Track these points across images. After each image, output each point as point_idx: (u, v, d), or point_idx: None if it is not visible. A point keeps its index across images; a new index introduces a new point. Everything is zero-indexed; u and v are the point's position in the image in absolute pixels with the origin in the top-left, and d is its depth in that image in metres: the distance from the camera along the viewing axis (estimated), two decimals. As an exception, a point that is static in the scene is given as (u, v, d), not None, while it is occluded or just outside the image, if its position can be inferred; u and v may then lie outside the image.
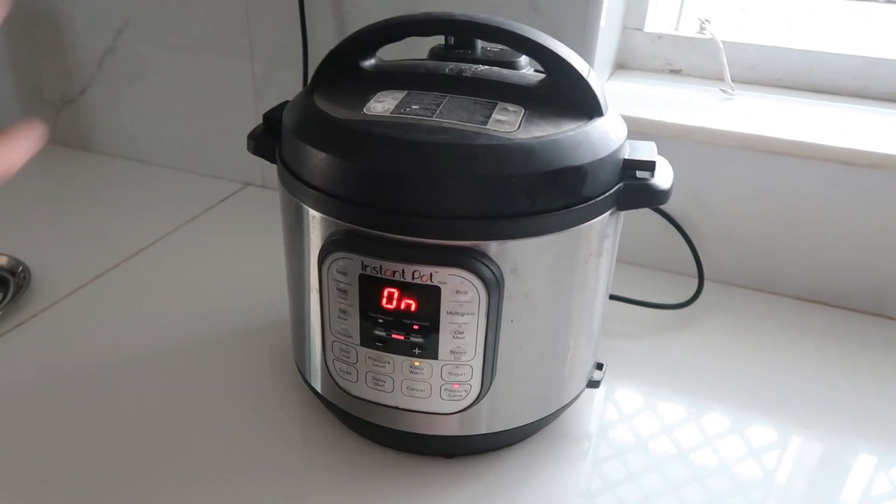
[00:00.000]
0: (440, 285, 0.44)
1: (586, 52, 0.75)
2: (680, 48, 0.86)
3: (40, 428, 0.57)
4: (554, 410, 0.55)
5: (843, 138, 0.70)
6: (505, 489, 0.53)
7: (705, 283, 0.75)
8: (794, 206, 0.74)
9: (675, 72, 0.88)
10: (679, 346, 0.70)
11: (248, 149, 0.55)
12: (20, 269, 0.74)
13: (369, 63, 0.53)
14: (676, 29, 0.88)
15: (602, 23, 0.78)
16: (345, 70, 0.52)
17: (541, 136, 0.45)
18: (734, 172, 0.75)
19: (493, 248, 0.44)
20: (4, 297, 0.72)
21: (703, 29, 0.86)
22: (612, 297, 0.72)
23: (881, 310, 0.75)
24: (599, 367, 0.60)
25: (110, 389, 0.61)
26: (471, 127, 0.45)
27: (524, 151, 0.44)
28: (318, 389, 0.55)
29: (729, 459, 0.57)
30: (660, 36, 0.87)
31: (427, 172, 0.43)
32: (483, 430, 0.52)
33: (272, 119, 0.53)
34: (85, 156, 1.04)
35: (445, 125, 0.45)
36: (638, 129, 0.75)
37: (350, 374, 0.50)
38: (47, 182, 0.98)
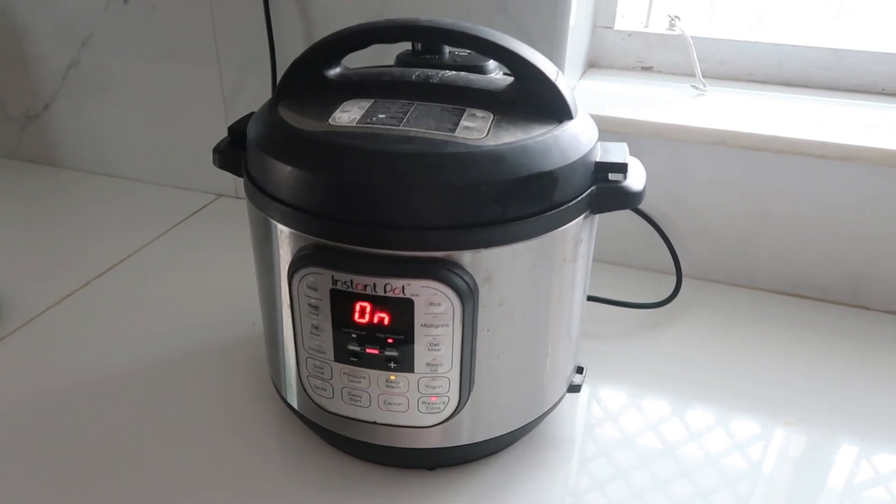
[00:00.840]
0: (413, 298, 0.43)
1: (556, 52, 0.74)
2: (650, 45, 0.86)
3: (8, 450, 0.56)
4: (535, 417, 0.54)
5: (815, 131, 0.70)
6: (488, 499, 0.53)
7: (684, 280, 0.75)
8: (770, 200, 0.74)
9: (647, 69, 0.88)
10: (660, 345, 0.70)
11: (214, 163, 0.54)
12: (-14, 291, 0.72)
13: (334, 72, 0.52)
14: (646, 26, 0.88)
15: (571, 22, 0.77)
16: (310, 80, 0.51)
17: (510, 142, 0.44)
18: (709, 169, 0.75)
19: (465, 257, 0.44)
20: (-29, 320, 0.70)
21: (672, 25, 0.86)
22: (591, 299, 0.72)
23: (858, 301, 0.75)
24: (580, 370, 0.59)
25: (83, 410, 0.60)
26: (439, 135, 0.44)
27: (493, 158, 0.43)
28: (295, 406, 0.54)
29: (714, 454, 0.57)
30: (630, 34, 0.86)
31: (395, 183, 0.42)
32: (463, 441, 0.52)
33: (237, 132, 0.52)
34: (52, 171, 1.02)
35: (413, 134, 0.45)
36: (611, 128, 0.75)
37: (325, 390, 0.49)
38: (13, 200, 0.96)
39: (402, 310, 0.44)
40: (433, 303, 0.43)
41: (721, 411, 0.61)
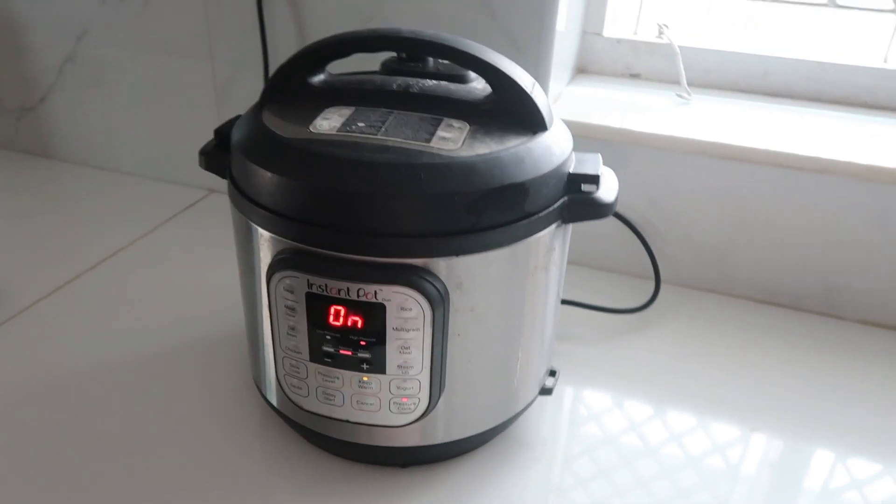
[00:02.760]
0: (385, 302, 0.45)
1: (542, 58, 0.75)
2: (639, 53, 0.87)
3: (-5, 445, 0.57)
4: (506, 419, 0.56)
5: (793, 143, 0.71)
6: (459, 497, 0.54)
7: (664, 285, 0.77)
8: (749, 209, 0.75)
9: (635, 76, 0.89)
10: (637, 349, 0.71)
11: (200, 164, 0.55)
12: (-22, 282, 0.74)
13: (318, 79, 0.54)
14: (635, 33, 0.89)
15: (561, 27, 0.79)
16: (294, 86, 0.53)
17: (483, 154, 0.46)
18: (691, 177, 0.76)
19: (436, 264, 0.45)
20: (-38, 310, 0.72)
21: (661, 34, 0.87)
22: (569, 303, 0.73)
23: (832, 310, 0.76)
24: (552, 373, 0.61)
25: (68, 403, 0.61)
26: (414, 145, 0.46)
27: (466, 169, 0.45)
28: (274, 403, 0.56)
29: (681, 460, 0.58)
30: (619, 41, 0.88)
31: (370, 191, 0.44)
32: (434, 441, 0.53)
33: (223, 134, 0.53)
34: (46, 163, 1.03)
35: (389, 143, 0.46)
36: (595, 135, 0.76)
37: (301, 388, 0.50)
38: (6, 191, 0.97)
39: (375, 314, 0.45)
40: (404, 308, 0.45)
41: (693, 416, 0.63)
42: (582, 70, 0.90)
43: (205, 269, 0.80)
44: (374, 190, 0.44)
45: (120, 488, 0.54)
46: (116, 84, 0.95)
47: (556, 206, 0.49)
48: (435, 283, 0.45)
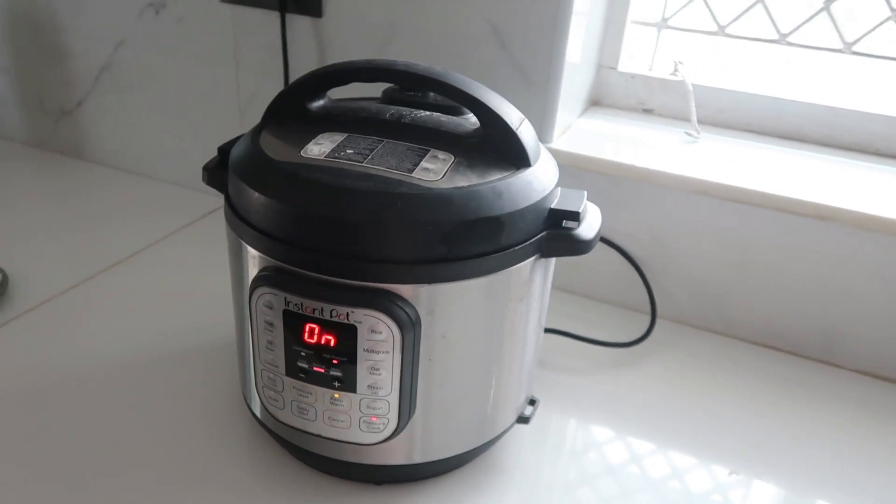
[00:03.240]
0: (356, 324, 0.46)
1: (551, 89, 0.77)
2: (652, 88, 0.88)
3: (-4, 432, 0.60)
4: (479, 444, 0.57)
5: (797, 188, 0.71)
6: (429, 517, 0.55)
7: (661, 321, 0.77)
8: (750, 250, 0.75)
9: (648, 111, 0.90)
10: (628, 384, 0.71)
11: (203, 179, 0.58)
12: (-1, 275, 0.78)
13: (318, 104, 0.56)
14: (650, 69, 0.90)
15: (575, 60, 0.80)
16: (293, 110, 0.55)
17: (462, 186, 0.47)
18: (692, 215, 0.76)
19: (408, 290, 0.47)
20: (-17, 302, 0.76)
21: (676, 71, 0.87)
22: (559, 332, 0.74)
23: (831, 358, 0.76)
24: (532, 402, 0.61)
25: (69, 399, 0.64)
26: (395, 174, 0.47)
27: (442, 201, 0.46)
28: (257, 413, 0.58)
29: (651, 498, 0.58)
30: (633, 76, 0.88)
31: (346, 217, 0.46)
32: (408, 461, 0.55)
33: (225, 152, 0.56)
34: (80, 165, 1.08)
35: (372, 172, 0.48)
36: (599, 168, 0.77)
37: (277, 401, 0.52)
38: (40, 189, 1.03)
39: (346, 334, 0.47)
40: (375, 330, 0.46)
41: (678, 458, 0.63)
42: (595, 102, 0.91)
43: (215, 277, 0.82)
44: (350, 216, 0.45)
45: (103, 482, 0.56)
46: (147, 93, 0.99)
47: (533, 240, 0.50)
48: (406, 308, 0.46)
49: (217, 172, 0.56)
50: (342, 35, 0.84)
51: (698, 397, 0.70)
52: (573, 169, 0.77)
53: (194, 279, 0.83)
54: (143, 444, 0.60)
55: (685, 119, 0.86)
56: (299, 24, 0.85)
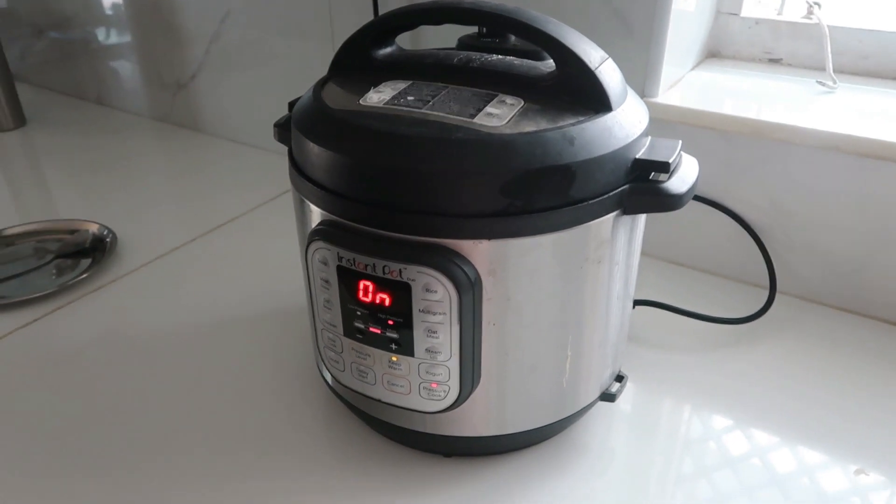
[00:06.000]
0: (409, 282, 0.43)
1: (656, 39, 0.69)
2: (780, 35, 0.78)
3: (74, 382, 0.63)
4: (556, 420, 0.52)
5: (953, 141, 0.60)
6: (499, 495, 0.52)
7: (780, 297, 0.68)
8: (891, 216, 0.64)
9: (775, 61, 0.79)
10: (734, 364, 0.64)
11: (274, 136, 0.56)
12: (108, 236, 0.82)
13: (384, 52, 0.53)
14: (780, 13, 0.79)
15: (688, 7, 0.72)
16: (358, 59, 0.52)
17: (527, 132, 0.42)
18: (820, 176, 0.66)
19: (464, 246, 0.43)
20: (93, 262, 0.79)
21: (810, 13, 0.76)
22: (657, 305, 0.67)
23: None
24: (619, 378, 0.56)
25: (158, 357, 0.66)
26: (455, 120, 0.43)
27: (502, 147, 0.41)
28: (326, 377, 0.56)
29: (779, 496, 0.51)
30: (757, 21, 0.78)
31: (398, 166, 0.42)
32: (473, 433, 0.51)
33: (294, 107, 0.54)
34: (193, 135, 1.12)
35: (430, 118, 0.44)
36: (711, 124, 0.69)
37: (338, 363, 0.50)
38: (156, 158, 1.08)
39: (401, 293, 0.44)
40: (430, 289, 0.43)
41: (782, 443, 0.55)
42: (714, 54, 0.82)
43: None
44: (401, 164, 0.42)
45: (182, 438, 0.57)
46: (249, 64, 1.01)
47: (613, 193, 0.44)
48: (463, 265, 0.42)
49: (286, 128, 0.55)
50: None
51: (824, 384, 0.61)
52: (680, 126, 0.70)
53: (287, 244, 0.83)
54: (220, 408, 0.60)
55: (818, 68, 0.75)
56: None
